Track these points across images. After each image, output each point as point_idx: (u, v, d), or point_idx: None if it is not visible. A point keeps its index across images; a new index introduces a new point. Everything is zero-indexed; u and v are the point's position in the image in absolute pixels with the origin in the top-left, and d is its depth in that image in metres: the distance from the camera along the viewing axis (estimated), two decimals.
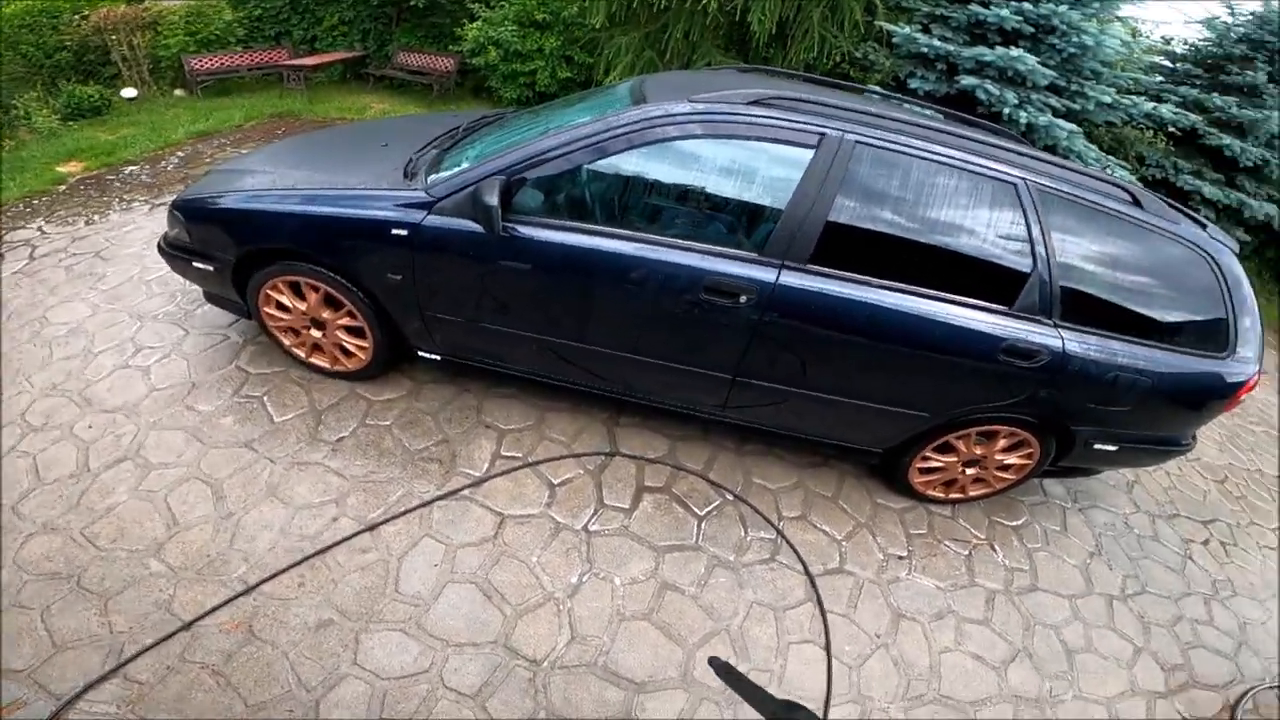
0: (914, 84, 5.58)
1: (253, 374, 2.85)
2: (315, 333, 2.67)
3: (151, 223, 4.16)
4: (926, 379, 2.25)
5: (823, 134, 2.02)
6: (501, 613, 2.14)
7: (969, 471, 2.66)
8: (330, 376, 2.85)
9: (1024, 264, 2.08)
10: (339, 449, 2.56)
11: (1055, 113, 5.11)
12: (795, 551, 2.51)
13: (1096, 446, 2.46)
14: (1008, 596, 2.56)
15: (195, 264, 2.53)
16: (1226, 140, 5.63)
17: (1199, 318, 2.21)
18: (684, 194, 2.16)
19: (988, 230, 2.05)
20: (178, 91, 7.56)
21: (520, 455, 2.66)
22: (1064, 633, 2.48)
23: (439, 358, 2.63)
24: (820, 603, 2.35)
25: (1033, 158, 2.14)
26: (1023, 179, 2.06)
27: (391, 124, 3.57)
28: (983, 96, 5.06)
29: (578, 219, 2.17)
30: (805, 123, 2.03)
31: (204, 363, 2.89)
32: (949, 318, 2.10)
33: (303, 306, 2.56)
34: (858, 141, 2.01)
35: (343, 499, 2.39)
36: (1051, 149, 4.96)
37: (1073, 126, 4.95)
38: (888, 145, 2.02)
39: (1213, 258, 2.17)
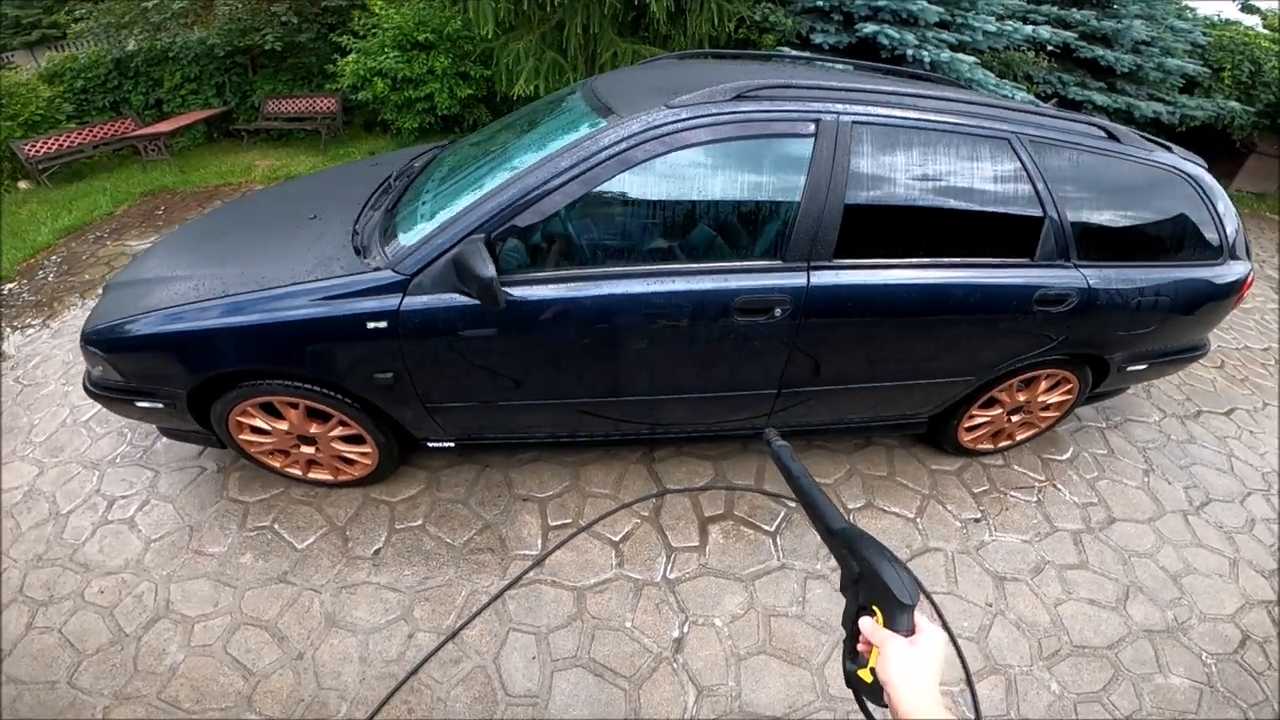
0: (817, 39, 5.98)
1: (251, 502, 2.80)
2: (307, 449, 2.63)
3: (58, 350, 3.96)
4: (968, 344, 2.45)
5: (818, 119, 2.11)
6: (619, 688, 2.21)
7: (1014, 418, 2.91)
8: (337, 487, 2.82)
9: (1035, 214, 2.29)
10: (380, 563, 2.57)
11: (951, 47, 5.61)
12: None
13: (1129, 369, 2.77)
14: (1092, 534, 2.81)
15: (139, 403, 2.37)
16: (1100, 51, 6.48)
17: (1193, 231, 2.51)
18: (689, 213, 2.20)
19: (994, 188, 2.24)
20: (22, 184, 7.11)
21: (570, 520, 2.73)
22: (1160, 559, 2.73)
23: (452, 444, 2.64)
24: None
25: (1007, 109, 2.35)
26: (1013, 132, 2.26)
27: (306, 186, 3.41)
28: (885, 41, 5.53)
29: (580, 265, 2.16)
30: (797, 111, 2.11)
31: (191, 501, 2.82)
32: (980, 280, 2.30)
33: (284, 426, 2.50)
34: (855, 121, 2.12)
35: (408, 613, 2.40)
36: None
37: (972, 59, 5.48)
38: (882, 120, 2.15)
39: (1190, 176, 2.48)
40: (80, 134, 7.37)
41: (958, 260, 2.29)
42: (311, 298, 2.11)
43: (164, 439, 3.10)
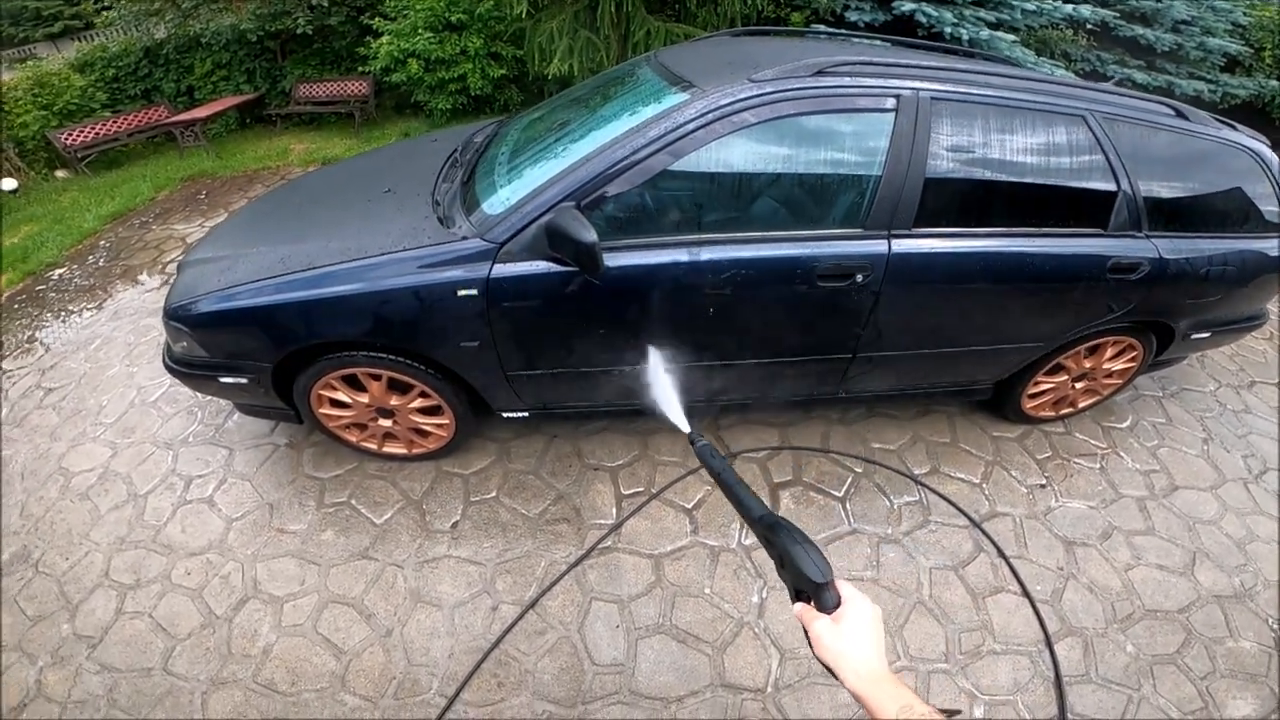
0: (852, 16, 5.84)
1: (327, 479, 2.81)
2: (384, 422, 2.63)
3: (118, 332, 3.97)
4: (1042, 311, 2.45)
5: (899, 95, 2.10)
6: (703, 654, 2.21)
7: (1078, 385, 2.88)
8: (409, 461, 2.82)
9: (1108, 187, 2.29)
10: (459, 536, 2.57)
11: (989, 25, 5.46)
12: (951, 503, 2.65)
13: (1193, 337, 2.76)
14: (1157, 501, 2.76)
15: (222, 379, 2.37)
16: (1140, 30, 6.35)
17: (1258, 205, 2.52)
18: (770, 183, 2.21)
19: (1069, 162, 2.24)
20: (60, 173, 7.16)
21: (642, 489, 2.72)
22: (1224, 526, 2.69)
23: (526, 414, 2.63)
24: (997, 545, 2.53)
25: (1080, 88, 2.35)
26: (1088, 109, 2.25)
27: (369, 162, 3.36)
28: (922, 19, 5.39)
29: (669, 233, 2.16)
30: (879, 87, 2.10)
31: (268, 479, 2.83)
32: (1055, 249, 2.31)
33: (364, 399, 2.50)
34: (933, 98, 2.12)
35: (490, 586, 2.40)
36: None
37: (1011, 37, 5.34)
38: (961, 96, 2.14)
39: (1255, 152, 2.49)
40: (115, 122, 7.36)
41: (1034, 230, 2.29)
42: (403, 266, 2.09)
43: (235, 417, 3.11)
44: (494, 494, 2.71)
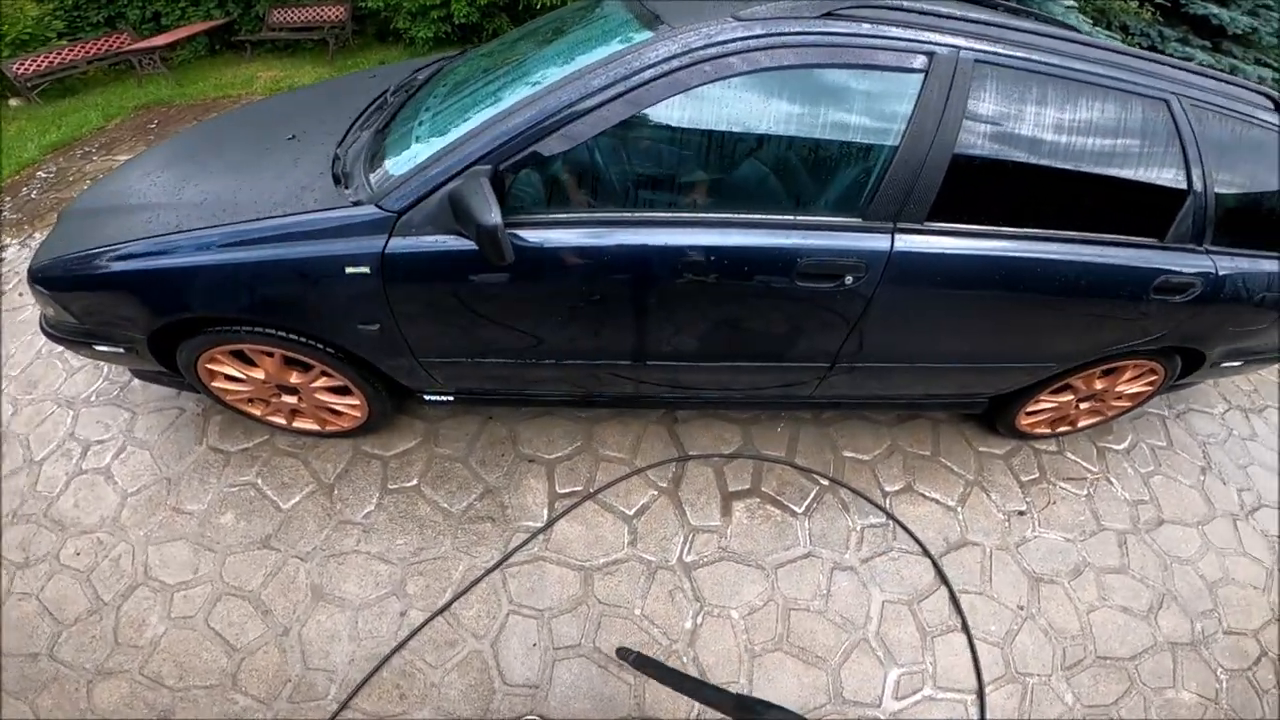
0: None
1: (232, 452, 2.61)
2: (288, 399, 2.42)
3: None
4: (1063, 330, 2.18)
5: (932, 52, 1.74)
6: (624, 682, 2.11)
7: (1083, 406, 2.66)
8: (325, 437, 2.61)
9: (1178, 188, 1.96)
10: (371, 529, 2.40)
11: None
12: (912, 536, 2.49)
13: (1223, 365, 2.51)
14: (1138, 536, 2.63)
15: (97, 347, 2.17)
16: (1214, 9, 5.98)
17: None
18: (747, 152, 1.86)
19: (1137, 154, 1.91)
20: (13, 102, 6.96)
21: (580, 488, 2.53)
22: (1201, 566, 2.57)
23: (451, 397, 2.43)
24: (949, 585, 2.39)
25: (1164, 64, 1.98)
26: (1174, 94, 1.90)
27: (294, 101, 3.08)
28: None
29: (610, 207, 1.85)
30: (907, 39, 1.71)
31: (169, 450, 2.65)
32: (1096, 259, 1.99)
33: (259, 375, 2.29)
34: (977, 59, 1.76)
35: (400, 589, 2.27)
36: None
37: (1069, 2, 4.95)
38: (1013, 62, 1.79)
39: None
40: (72, 50, 7.13)
41: (1075, 235, 1.97)
42: (276, 236, 1.82)
43: None
44: (414, 482, 2.52)
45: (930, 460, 2.78)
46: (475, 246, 1.71)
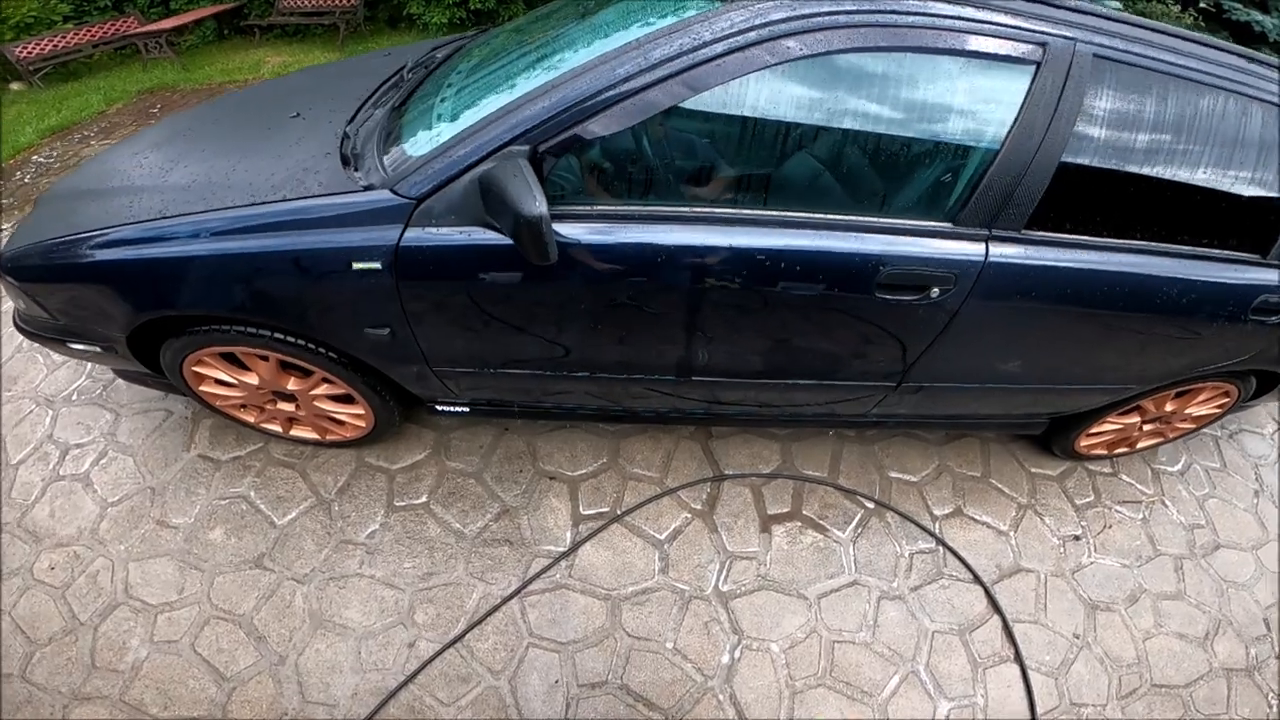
0: None
1: (224, 461, 2.39)
2: (285, 406, 2.20)
3: None
4: (1154, 350, 1.99)
5: (1045, 43, 1.53)
6: None
7: (1147, 428, 2.51)
8: (326, 447, 2.38)
9: None
10: (375, 550, 2.18)
11: None
12: (964, 563, 2.30)
13: None
14: (1194, 561, 2.48)
15: (73, 345, 1.96)
16: (1256, 16, 5.98)
17: None
18: (821, 143, 1.62)
19: (1252, 165, 1.72)
20: (15, 86, 6.84)
21: (607, 509, 2.32)
22: (1256, 591, 2.43)
23: (466, 409, 2.23)
24: (1002, 614, 2.23)
25: None
26: None
27: (297, 80, 2.82)
28: None
29: (666, 200, 1.64)
30: (1017, 28, 1.50)
31: (155, 456, 2.43)
32: (1199, 276, 1.81)
33: (252, 380, 2.07)
34: (1096, 54, 1.56)
35: (408, 617, 2.07)
36: None
37: (1115, 3, 4.72)
38: (1135, 59, 1.58)
39: None
40: (78, 34, 7.02)
41: (1179, 249, 1.78)
42: (272, 224, 1.60)
43: None
44: (424, 499, 2.30)
45: (981, 482, 2.59)
46: (508, 241, 1.51)
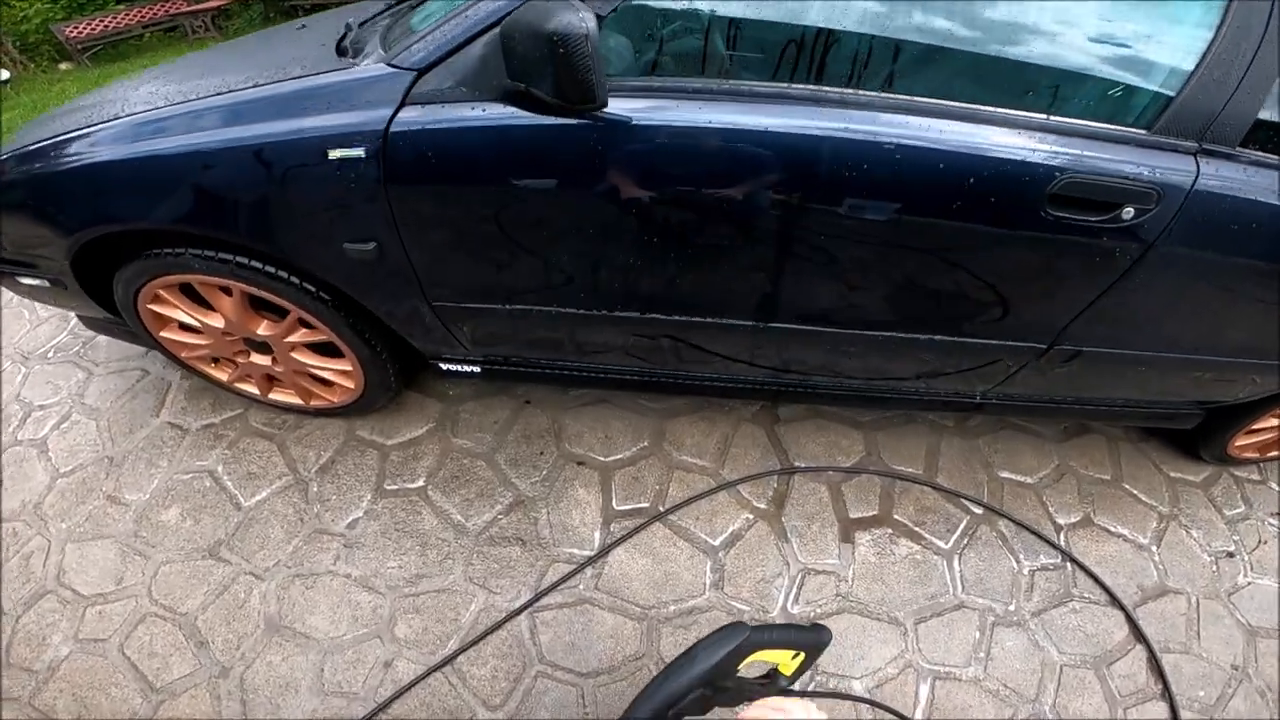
0: None
1: (194, 428, 1.98)
2: (260, 359, 1.78)
3: None
4: None
5: None
6: None
7: None
8: (311, 415, 1.94)
9: None
10: (355, 543, 1.72)
11: None
12: (1099, 582, 1.76)
13: None
14: None
15: (21, 279, 1.65)
16: None
17: None
18: (959, 16, 1.17)
19: None
20: (63, 66, 6.98)
21: (646, 503, 1.82)
22: None
23: (477, 369, 1.76)
24: (1148, 643, 1.71)
25: None
26: None
27: (322, 16, 2.45)
28: None
29: (747, 75, 1.21)
30: None
31: (120, 421, 2.04)
32: None
33: (217, 322, 1.65)
34: None
35: (387, 629, 1.60)
36: None
37: None
38: None
39: None
40: (127, 15, 7.12)
41: None
42: (229, 111, 1.27)
43: None
44: (420, 483, 1.84)
45: (1112, 486, 2.03)
46: (534, 119, 1.14)
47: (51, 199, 1.41)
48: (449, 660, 1.56)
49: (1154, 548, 1.91)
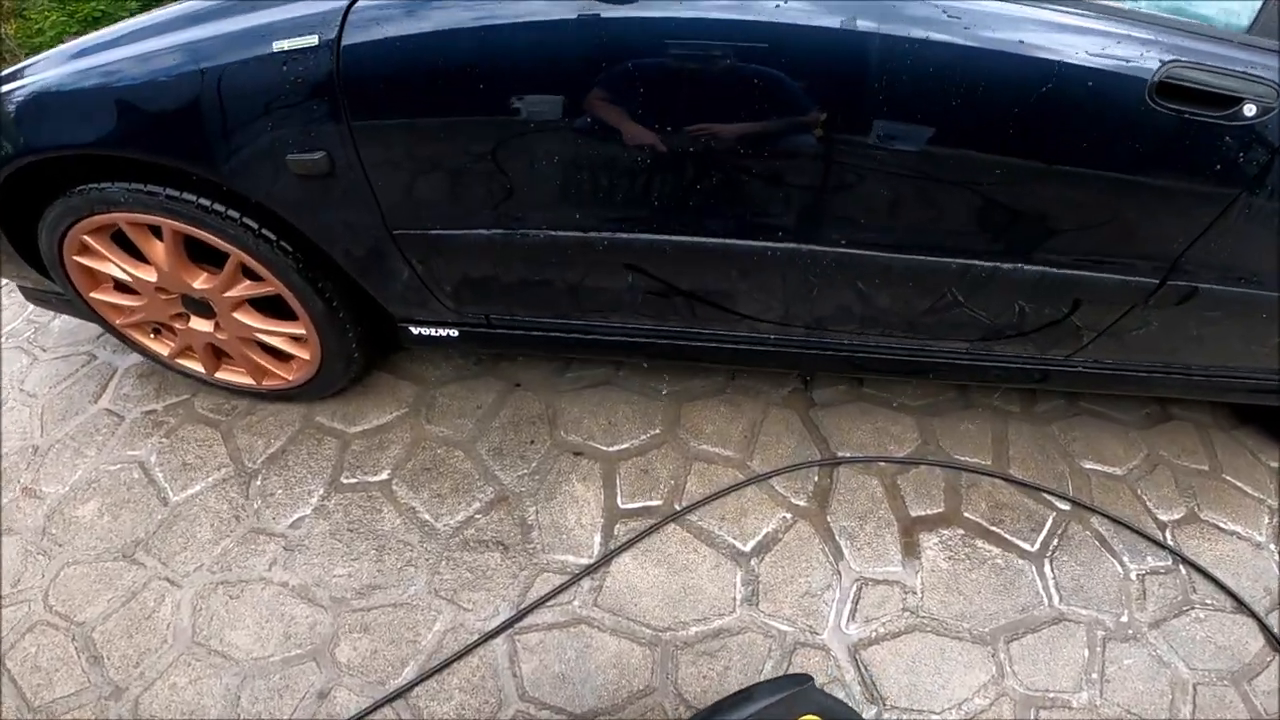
0: None
1: (131, 416, 1.67)
2: (200, 324, 1.46)
3: None
4: None
5: None
6: None
7: None
8: (265, 399, 1.62)
9: None
10: (297, 546, 1.38)
11: None
12: (1221, 585, 1.38)
13: None
14: None
15: None
16: None
17: None
18: None
19: None
20: None
21: (659, 502, 1.45)
22: None
23: (454, 332, 1.42)
24: None
25: None
26: None
27: None
28: None
29: None
30: None
31: (55, 407, 1.75)
32: None
33: (150, 275, 1.36)
34: None
35: (326, 650, 1.24)
36: None
37: None
38: None
39: None
40: None
41: None
42: (164, 23, 1.10)
43: (60, 316, 2.06)
44: (384, 475, 1.49)
45: (1212, 478, 1.63)
46: None
47: None
48: (403, 692, 1.18)
49: (1272, 546, 1.52)
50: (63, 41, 5.84)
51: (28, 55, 6.71)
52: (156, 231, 1.29)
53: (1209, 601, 1.39)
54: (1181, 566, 1.44)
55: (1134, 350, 1.35)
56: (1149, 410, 1.79)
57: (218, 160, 1.10)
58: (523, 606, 1.29)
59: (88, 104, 1.12)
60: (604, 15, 0.93)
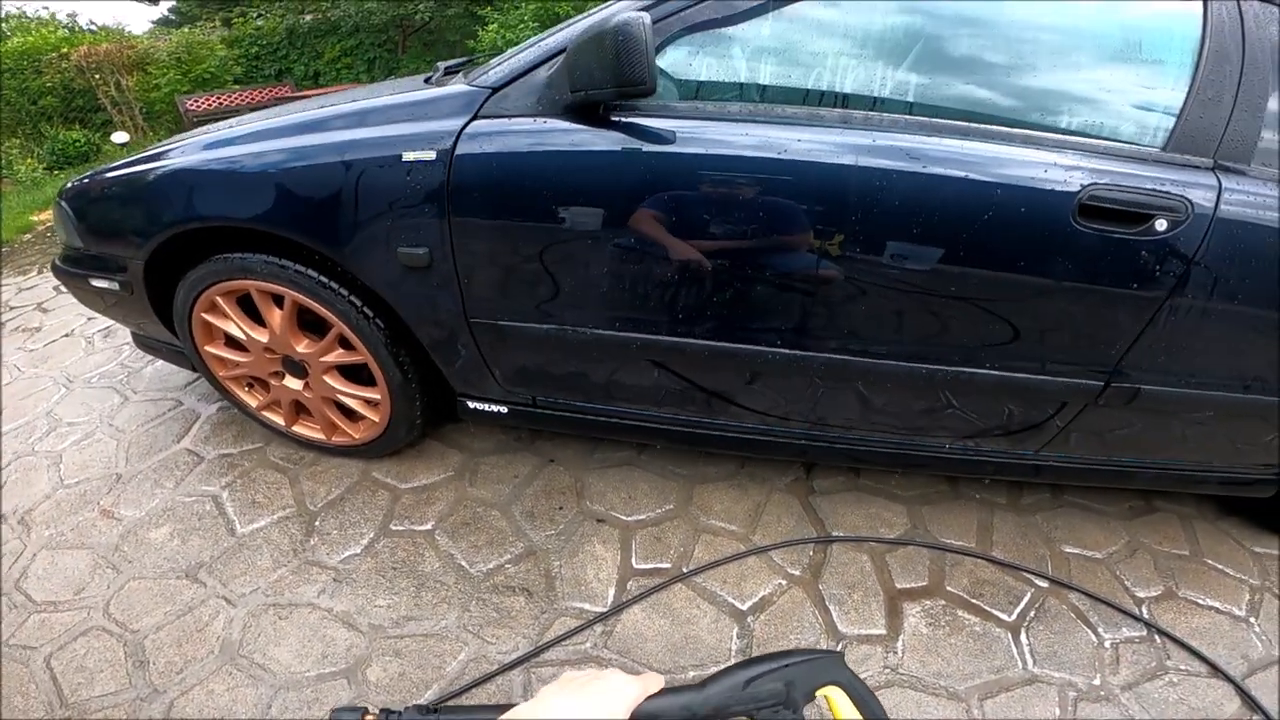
0: None
1: (210, 457, 1.81)
2: (293, 383, 1.64)
3: None
4: None
5: None
6: None
7: None
8: (330, 453, 1.77)
9: None
10: (345, 578, 1.46)
11: None
12: (1196, 654, 1.39)
13: None
14: None
15: (93, 281, 1.62)
16: None
17: None
18: (986, 42, 1.21)
19: None
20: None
21: (668, 564, 1.53)
22: None
23: (504, 409, 1.57)
24: (1267, 715, 1.30)
25: None
26: None
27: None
28: None
29: (785, 100, 1.22)
30: None
31: (141, 443, 1.90)
32: None
33: (262, 336, 1.56)
34: None
35: (357, 670, 1.28)
36: None
37: None
38: None
39: None
40: (239, 95, 7.19)
41: None
42: (315, 124, 1.34)
43: (157, 363, 2.32)
44: (429, 525, 1.60)
45: (1192, 561, 1.65)
46: (587, 129, 1.17)
47: (141, 199, 1.46)
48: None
49: (1252, 619, 1.51)
50: (175, 97, 6.22)
51: (142, 107, 7.29)
52: (277, 300, 1.51)
53: (1183, 667, 1.38)
54: (1156, 636, 1.43)
55: (1100, 447, 1.44)
56: (1132, 504, 1.83)
57: (343, 244, 1.31)
58: (540, 643, 1.34)
59: (247, 185, 1.34)
60: (645, 150, 1.16)
